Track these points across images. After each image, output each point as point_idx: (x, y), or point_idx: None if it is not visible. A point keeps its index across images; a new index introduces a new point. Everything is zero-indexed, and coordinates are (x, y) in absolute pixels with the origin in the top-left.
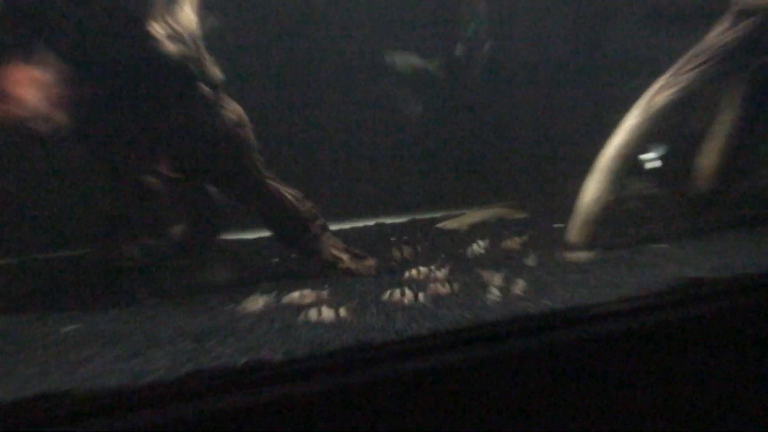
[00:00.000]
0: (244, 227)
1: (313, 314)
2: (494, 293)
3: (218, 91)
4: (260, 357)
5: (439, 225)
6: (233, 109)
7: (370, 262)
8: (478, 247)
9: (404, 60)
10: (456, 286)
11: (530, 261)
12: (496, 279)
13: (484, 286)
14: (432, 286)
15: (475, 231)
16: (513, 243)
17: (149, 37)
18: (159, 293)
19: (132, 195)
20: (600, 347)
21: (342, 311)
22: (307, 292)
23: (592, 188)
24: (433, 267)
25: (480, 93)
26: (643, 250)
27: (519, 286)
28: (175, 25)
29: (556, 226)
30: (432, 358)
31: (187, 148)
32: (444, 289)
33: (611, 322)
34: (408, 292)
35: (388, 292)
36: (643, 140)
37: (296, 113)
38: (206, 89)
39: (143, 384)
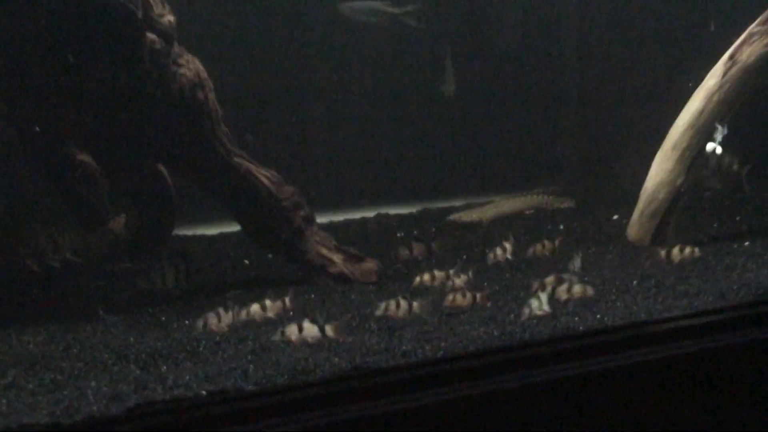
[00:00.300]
0: (206, 220)
1: (294, 332)
2: (530, 305)
3: (171, 41)
4: (227, 386)
5: (452, 217)
6: (191, 66)
7: (370, 264)
8: (503, 252)
9: (364, 7)
10: (481, 296)
11: (576, 263)
12: (532, 287)
13: (517, 297)
14: (450, 296)
15: (503, 226)
16: (541, 248)
17: None
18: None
19: (59, 178)
20: (670, 371)
21: (332, 328)
22: (287, 303)
23: (659, 169)
24: (451, 271)
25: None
26: (724, 250)
27: (562, 296)
28: None
29: (614, 218)
30: (449, 388)
31: (129, 116)
32: (465, 300)
33: (683, 342)
34: (418, 304)
35: (393, 304)
36: (724, 107)
37: (277, 79)
38: (154, 39)
39: (73, 423)
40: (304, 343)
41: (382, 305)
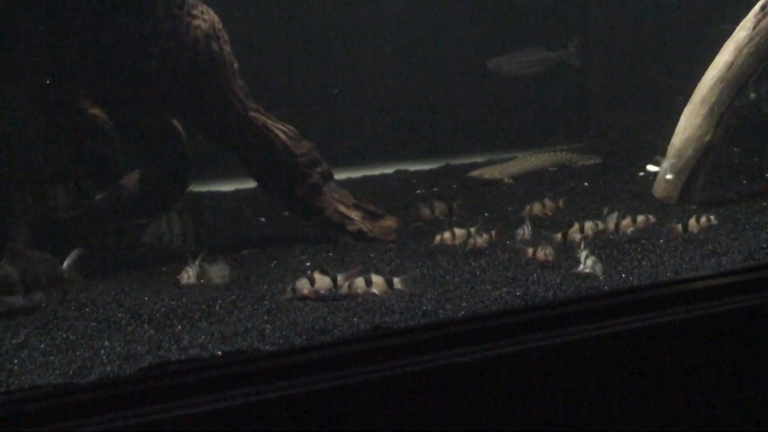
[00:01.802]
0: (221, 176)
1: (313, 291)
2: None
3: None
4: (244, 346)
5: (474, 173)
6: (205, 17)
7: (390, 222)
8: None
9: (520, 59)
10: (503, 255)
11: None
12: (556, 246)
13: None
14: (471, 253)
15: (528, 183)
16: (540, 207)
17: None
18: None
19: (70, 133)
20: (697, 332)
21: (351, 288)
22: (304, 261)
23: (687, 125)
24: (472, 230)
25: None
26: (754, 208)
27: (585, 256)
28: None
29: (641, 174)
30: (469, 348)
31: (141, 68)
32: (486, 258)
33: (710, 302)
34: (439, 263)
35: (413, 262)
36: (755, 61)
37: (299, 33)
38: None
39: (86, 383)
40: (323, 302)
41: (410, 264)
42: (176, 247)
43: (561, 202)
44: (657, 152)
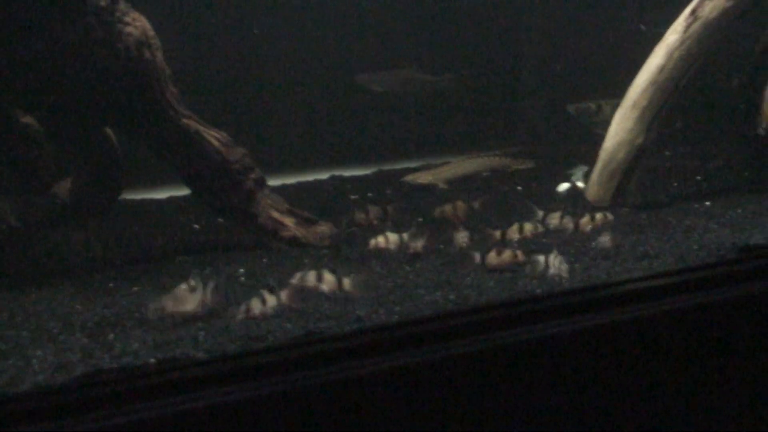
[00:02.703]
0: (154, 183)
1: (247, 297)
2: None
3: None
4: (176, 354)
5: (408, 178)
6: (137, 24)
7: (324, 228)
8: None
9: (392, 77)
10: (437, 258)
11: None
12: (491, 252)
13: (474, 260)
14: (405, 258)
15: (459, 188)
16: (451, 209)
17: None
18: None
19: (0, 141)
20: (628, 335)
21: (285, 293)
22: (238, 268)
23: (618, 128)
24: (406, 234)
25: None
26: (685, 210)
27: (520, 259)
28: None
29: (573, 178)
30: (405, 354)
31: (73, 77)
32: (421, 263)
33: (641, 305)
34: (373, 267)
35: (347, 267)
36: (686, 64)
37: (229, 40)
38: None
39: (18, 393)
40: (257, 309)
41: (344, 269)
42: (99, 256)
43: (477, 204)
44: (590, 158)
